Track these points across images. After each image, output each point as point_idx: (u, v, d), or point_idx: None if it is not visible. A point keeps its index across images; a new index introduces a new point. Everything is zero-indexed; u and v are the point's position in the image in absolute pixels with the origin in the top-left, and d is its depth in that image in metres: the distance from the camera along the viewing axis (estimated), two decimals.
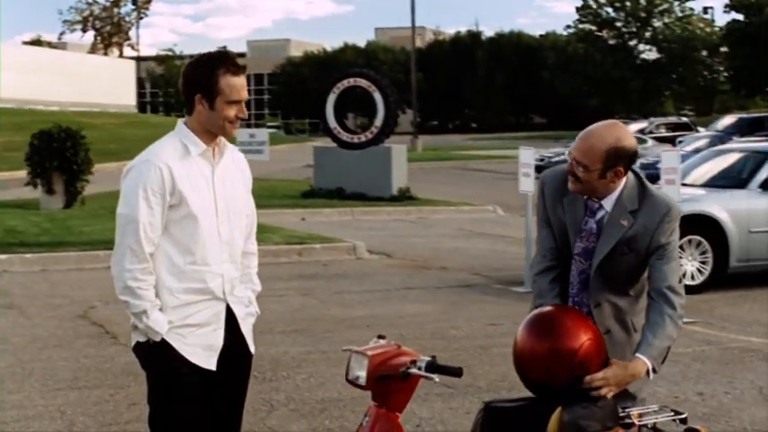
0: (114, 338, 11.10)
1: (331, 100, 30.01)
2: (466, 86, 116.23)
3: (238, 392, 4.97)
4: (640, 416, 4.61)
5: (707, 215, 13.89)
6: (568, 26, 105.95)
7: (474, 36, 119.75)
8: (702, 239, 13.82)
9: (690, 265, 13.78)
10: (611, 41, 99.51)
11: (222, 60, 4.67)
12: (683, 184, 13.86)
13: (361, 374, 4.25)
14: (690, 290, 12.58)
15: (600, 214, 4.78)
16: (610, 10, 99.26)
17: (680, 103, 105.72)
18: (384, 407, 4.27)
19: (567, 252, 4.87)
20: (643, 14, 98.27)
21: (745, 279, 14.21)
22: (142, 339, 4.72)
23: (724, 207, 14.06)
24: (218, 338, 4.77)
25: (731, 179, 15.09)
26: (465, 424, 7.82)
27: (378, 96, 29.56)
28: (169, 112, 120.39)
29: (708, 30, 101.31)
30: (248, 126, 60.21)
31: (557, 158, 44.39)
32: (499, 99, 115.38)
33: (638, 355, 4.57)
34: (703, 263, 13.91)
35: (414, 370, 4.19)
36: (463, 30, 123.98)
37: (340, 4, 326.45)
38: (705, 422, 7.71)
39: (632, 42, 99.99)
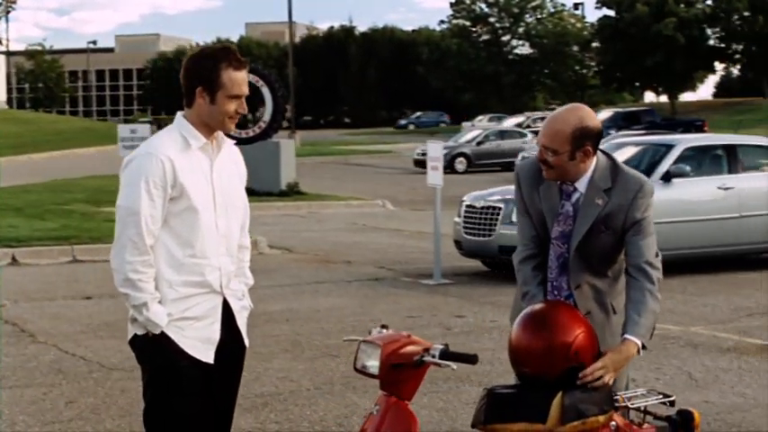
0: (32, 336, 10.91)
1: None
2: (340, 82, 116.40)
3: (233, 386, 4.96)
4: (629, 399, 4.72)
5: None
6: (442, 21, 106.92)
7: (347, 31, 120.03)
8: None
9: None
10: (485, 37, 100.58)
11: (225, 54, 4.64)
12: None
13: (373, 363, 4.27)
14: None
15: (575, 197, 4.89)
16: (483, 6, 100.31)
17: (550, 97, 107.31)
18: (395, 395, 4.29)
19: (546, 238, 4.96)
20: (516, 10, 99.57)
21: None
22: (140, 332, 4.65)
23: None
24: (215, 332, 4.75)
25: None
26: (432, 414, 7.89)
27: (266, 91, 29.50)
28: (37, 107, 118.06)
29: (579, 25, 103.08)
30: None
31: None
32: (372, 94, 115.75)
33: (627, 336, 4.66)
34: None
35: (428, 358, 4.22)
36: (336, 25, 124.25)
37: None
38: None
39: (505, 38, 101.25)
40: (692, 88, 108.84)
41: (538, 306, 4.64)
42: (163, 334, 4.62)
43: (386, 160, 52.72)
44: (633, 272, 4.80)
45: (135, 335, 4.70)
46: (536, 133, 48.96)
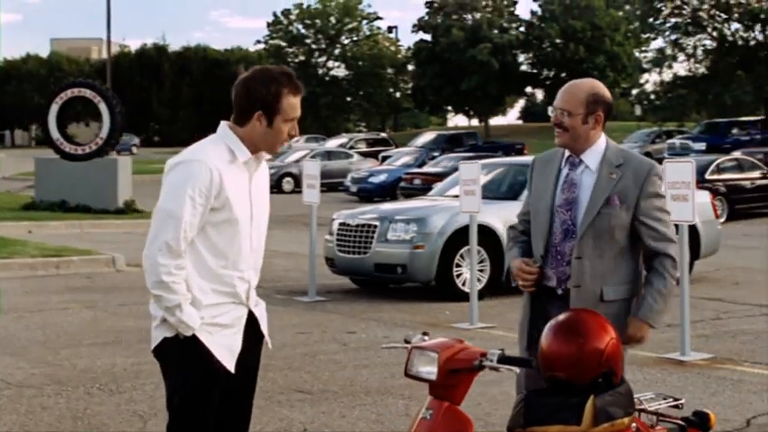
0: None
1: (53, 111, 29.26)
2: (153, 100, 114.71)
3: (251, 396, 5.00)
4: (641, 403, 4.93)
5: (484, 225, 14.34)
6: (258, 41, 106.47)
7: (160, 49, 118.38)
8: (481, 248, 14.24)
9: (468, 272, 14.24)
10: (301, 57, 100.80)
11: (288, 79, 4.69)
12: (455, 196, 14.35)
13: (430, 369, 4.37)
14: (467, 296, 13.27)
15: (580, 168, 5.26)
16: (300, 26, 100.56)
17: (361, 119, 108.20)
18: (447, 400, 4.38)
19: (547, 208, 5.30)
20: (332, 32, 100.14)
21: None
22: (170, 334, 4.66)
23: (499, 217, 14.57)
24: (237, 342, 4.78)
25: (503, 191, 15.76)
26: (344, 425, 7.97)
27: (103, 107, 29.08)
28: None
29: (393, 48, 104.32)
30: None
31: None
32: (186, 112, 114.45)
33: (640, 317, 5.21)
34: (481, 271, 14.41)
35: (487, 363, 4.33)
36: (149, 42, 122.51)
37: (6, 12, 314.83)
38: None
39: (322, 59, 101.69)
40: (503, 112, 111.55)
41: (569, 314, 4.79)
42: (194, 337, 4.63)
43: None
44: (654, 260, 5.23)
45: (164, 338, 4.70)
46: (362, 154, 49.70)
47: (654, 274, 5.21)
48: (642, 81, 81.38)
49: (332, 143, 59.90)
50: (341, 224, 15.35)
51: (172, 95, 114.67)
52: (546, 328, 4.73)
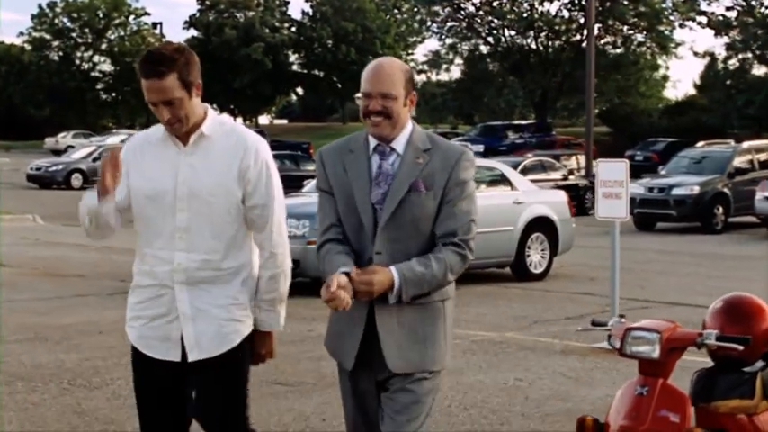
0: None
1: None
2: None
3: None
4: None
5: None
6: (21, 33, 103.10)
7: None
8: None
9: None
10: (67, 51, 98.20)
11: (140, 62, 4.56)
12: None
13: (648, 348, 4.67)
14: None
15: (392, 157, 4.61)
16: (66, 20, 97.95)
17: (134, 116, 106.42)
18: (660, 376, 4.69)
19: (354, 209, 4.58)
20: (99, 26, 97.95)
21: None
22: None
23: None
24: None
25: None
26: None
27: None
28: None
29: (158, 45, 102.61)
30: None
31: (55, 167, 43.68)
32: None
33: (392, 268, 4.43)
34: None
35: (709, 341, 4.65)
36: None
37: None
38: (560, 400, 8.50)
39: (88, 53, 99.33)
40: (269, 112, 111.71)
41: (731, 298, 5.12)
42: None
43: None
44: (442, 243, 4.54)
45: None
46: None
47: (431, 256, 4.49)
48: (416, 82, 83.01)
49: (113, 139, 58.60)
50: None
51: None
52: (713, 312, 5.04)
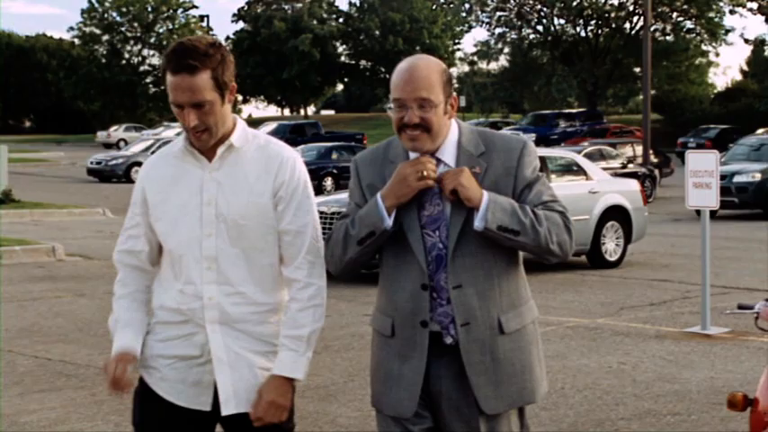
0: None
1: None
2: None
3: None
4: None
5: None
6: (71, 28, 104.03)
7: None
8: None
9: None
10: (116, 45, 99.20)
11: (169, 55, 3.83)
12: None
13: None
14: None
15: (440, 170, 3.95)
16: (115, 14, 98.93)
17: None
18: None
19: (402, 228, 3.97)
20: (148, 20, 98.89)
21: None
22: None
23: None
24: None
25: None
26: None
27: None
28: None
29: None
30: None
31: (115, 161, 44.37)
32: None
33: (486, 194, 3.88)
34: None
35: None
36: None
37: None
38: (667, 382, 8.88)
39: (137, 47, 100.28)
40: (315, 103, 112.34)
41: None
42: None
43: (48, 168, 51.40)
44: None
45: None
46: None
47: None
48: (464, 72, 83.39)
49: (169, 133, 59.19)
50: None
51: None
52: None
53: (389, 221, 3.90)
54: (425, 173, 3.85)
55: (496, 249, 3.92)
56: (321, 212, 15.52)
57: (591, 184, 17.30)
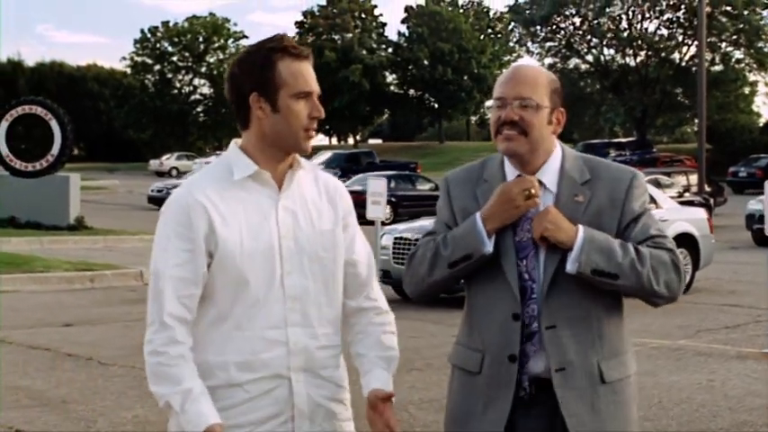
0: None
1: (2, 128, 29.42)
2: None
3: None
4: None
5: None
6: (123, 58, 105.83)
7: (15, 64, 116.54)
8: None
9: None
10: (168, 74, 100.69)
11: (280, 42, 3.39)
12: None
13: None
14: None
15: (540, 194, 3.61)
16: (167, 44, 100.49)
17: (230, 138, 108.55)
18: None
19: (496, 253, 3.61)
20: (199, 50, 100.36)
21: None
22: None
23: None
24: None
25: None
26: None
27: (55, 124, 29.52)
28: None
29: None
30: None
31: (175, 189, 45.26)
32: (43, 129, 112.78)
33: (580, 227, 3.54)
34: None
35: None
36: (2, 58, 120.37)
37: None
38: (757, 397, 9.44)
39: (188, 76, 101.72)
40: (362, 133, 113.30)
41: None
42: None
43: (107, 196, 52.35)
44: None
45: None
46: None
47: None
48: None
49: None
50: (398, 238, 16.35)
51: None
52: None
53: (490, 246, 3.56)
54: (533, 190, 3.52)
55: (597, 289, 3.54)
56: (405, 239, 16.32)
57: (661, 213, 17.84)
